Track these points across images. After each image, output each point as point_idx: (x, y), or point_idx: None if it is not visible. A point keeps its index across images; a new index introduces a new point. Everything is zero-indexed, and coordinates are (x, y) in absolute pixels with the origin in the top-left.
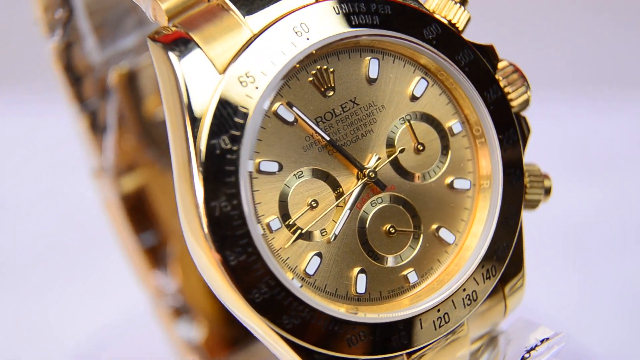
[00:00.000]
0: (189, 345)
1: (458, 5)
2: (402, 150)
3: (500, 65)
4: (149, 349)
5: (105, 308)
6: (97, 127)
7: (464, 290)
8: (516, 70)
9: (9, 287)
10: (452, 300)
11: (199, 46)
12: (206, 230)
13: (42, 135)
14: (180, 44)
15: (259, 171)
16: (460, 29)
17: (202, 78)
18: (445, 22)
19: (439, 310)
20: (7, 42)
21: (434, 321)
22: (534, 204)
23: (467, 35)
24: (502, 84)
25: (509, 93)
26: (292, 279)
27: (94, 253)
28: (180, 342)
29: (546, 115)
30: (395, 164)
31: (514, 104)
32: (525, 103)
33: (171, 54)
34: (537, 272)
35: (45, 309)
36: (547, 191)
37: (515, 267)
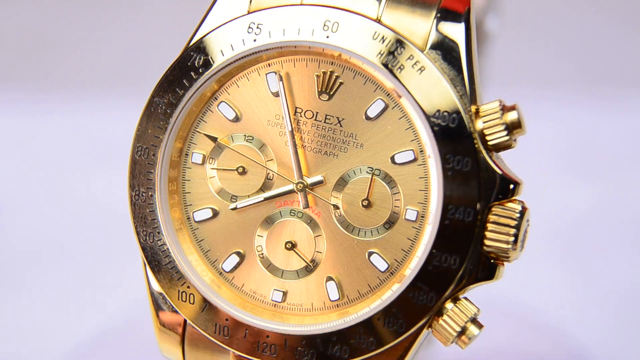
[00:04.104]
0: None
1: (504, 126)
2: (336, 207)
3: (508, 204)
4: (148, 348)
5: (104, 307)
6: None
7: (303, 343)
8: (517, 221)
9: (8, 286)
10: (286, 340)
11: None
12: (141, 114)
13: (43, 135)
14: None
15: (218, 109)
16: (488, 144)
17: (232, 6)
18: (480, 127)
19: (268, 337)
20: (9, 43)
21: (259, 342)
22: (444, 337)
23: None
24: (489, 217)
25: (487, 229)
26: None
27: (94, 252)
28: None
29: (545, 114)
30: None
31: (488, 243)
32: (503, 254)
33: None
34: (536, 270)
35: (45, 308)
36: (463, 333)
37: None
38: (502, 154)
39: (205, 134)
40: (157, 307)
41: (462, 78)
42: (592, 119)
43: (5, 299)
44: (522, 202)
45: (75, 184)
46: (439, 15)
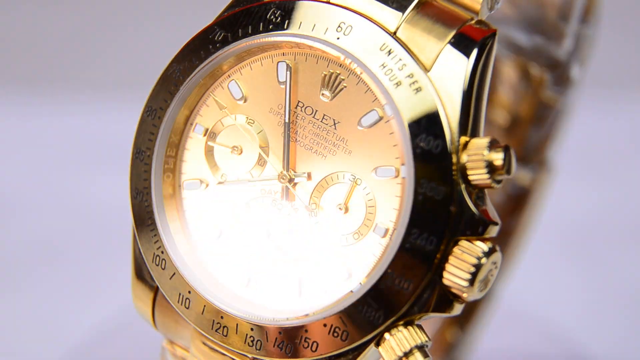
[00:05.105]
0: None
1: (485, 163)
2: (309, 208)
3: (477, 242)
4: (147, 347)
5: (103, 307)
6: None
7: (252, 331)
8: (478, 260)
9: (7, 286)
10: (237, 324)
11: None
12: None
13: (42, 135)
14: None
15: (228, 87)
16: (470, 181)
17: None
18: (464, 161)
19: (222, 317)
20: (10, 43)
21: (214, 321)
22: (388, 357)
23: None
24: (453, 250)
25: (448, 262)
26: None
27: (92, 252)
28: None
29: None
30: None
31: (446, 275)
32: (458, 291)
33: None
34: (538, 271)
35: (44, 307)
36: (407, 358)
37: None
38: None
39: (215, 99)
40: (137, 266)
41: (461, 106)
42: (595, 119)
43: (4, 298)
44: (494, 243)
45: (75, 184)
46: (453, 40)
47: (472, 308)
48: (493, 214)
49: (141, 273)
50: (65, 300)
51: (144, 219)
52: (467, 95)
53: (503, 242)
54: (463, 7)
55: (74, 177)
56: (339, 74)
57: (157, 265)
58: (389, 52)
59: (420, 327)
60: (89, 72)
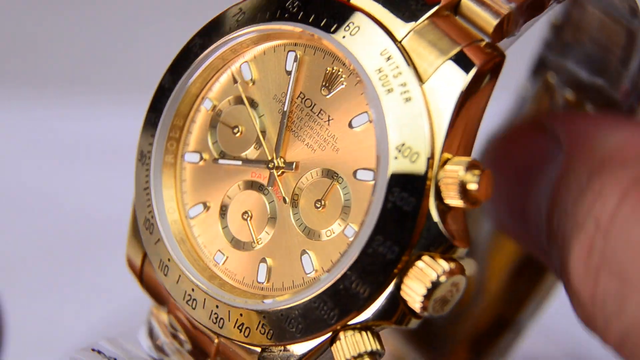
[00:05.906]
0: None
1: (458, 181)
2: (285, 201)
3: (441, 260)
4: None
5: (103, 307)
6: None
7: (217, 308)
8: (436, 279)
9: (7, 286)
10: (205, 299)
11: None
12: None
13: (45, 136)
14: None
15: (239, 69)
16: (442, 199)
17: None
18: (439, 178)
19: (193, 290)
20: (18, 45)
21: (186, 292)
22: (338, 357)
23: None
24: (416, 263)
25: (407, 276)
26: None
27: (92, 251)
28: None
29: None
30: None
31: (404, 288)
32: (412, 304)
33: None
34: None
35: (45, 307)
36: None
37: None
38: None
39: (232, 71)
40: (134, 225)
41: (449, 122)
42: None
43: (5, 298)
44: (459, 264)
45: (75, 184)
46: (455, 56)
47: (493, 337)
48: (465, 235)
49: (137, 232)
50: (66, 301)
51: (142, 182)
52: (457, 113)
53: (538, 275)
54: (477, 27)
55: (75, 178)
56: (342, 72)
57: (147, 229)
58: (388, 58)
59: (376, 334)
60: (90, 74)
